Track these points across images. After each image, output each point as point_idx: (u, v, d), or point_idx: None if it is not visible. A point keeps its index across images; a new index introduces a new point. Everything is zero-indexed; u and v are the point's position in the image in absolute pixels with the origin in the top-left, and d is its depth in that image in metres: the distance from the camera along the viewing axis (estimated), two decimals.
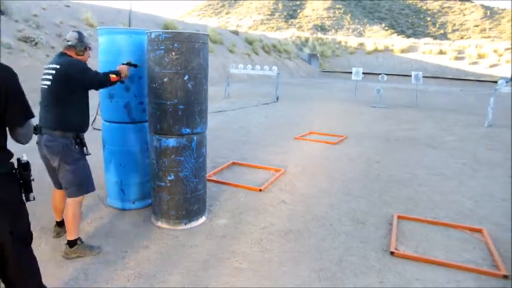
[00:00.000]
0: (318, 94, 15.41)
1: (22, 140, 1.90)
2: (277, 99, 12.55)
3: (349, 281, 2.64)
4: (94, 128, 3.81)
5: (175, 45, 2.98)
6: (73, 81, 2.61)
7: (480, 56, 28.15)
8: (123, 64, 3.06)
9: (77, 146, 2.68)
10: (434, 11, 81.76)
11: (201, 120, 3.23)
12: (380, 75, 14.15)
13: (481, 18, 75.98)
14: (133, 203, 3.63)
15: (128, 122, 3.48)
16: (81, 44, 2.75)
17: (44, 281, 2.07)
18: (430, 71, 26.85)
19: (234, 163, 5.30)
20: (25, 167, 1.86)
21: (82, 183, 2.73)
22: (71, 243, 2.78)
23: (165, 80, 3.02)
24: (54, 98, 2.60)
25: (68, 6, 14.78)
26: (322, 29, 68.54)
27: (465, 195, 4.44)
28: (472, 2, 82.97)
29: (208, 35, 3.33)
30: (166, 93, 3.05)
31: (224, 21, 70.97)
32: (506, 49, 27.45)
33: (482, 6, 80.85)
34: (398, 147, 6.76)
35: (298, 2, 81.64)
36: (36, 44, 10.65)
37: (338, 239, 3.24)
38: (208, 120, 3.41)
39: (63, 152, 2.62)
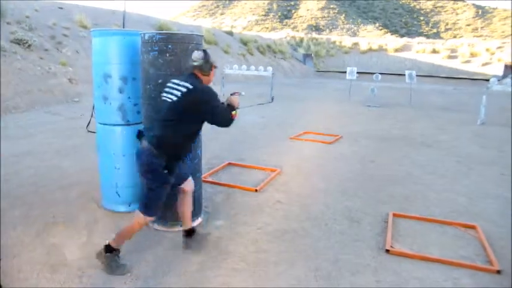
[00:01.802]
0: (313, 94, 15.45)
1: None
2: (272, 99, 12.56)
3: (345, 280, 2.65)
4: (89, 131, 3.80)
5: (169, 46, 2.97)
6: (195, 108, 2.50)
7: (472, 55, 28.40)
8: (232, 95, 2.79)
9: (165, 171, 2.53)
10: (428, 10, 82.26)
11: None
12: (374, 75, 14.22)
13: (473, 18, 76.57)
14: (129, 205, 3.62)
15: (123, 124, 3.47)
16: (207, 64, 2.62)
17: (39, 285, 2.07)
18: (424, 70, 27.03)
19: (229, 164, 5.30)
20: None
21: (148, 206, 2.60)
22: (109, 249, 2.65)
23: (160, 81, 3.01)
24: (172, 114, 2.51)
25: (61, 7, 14.71)
26: (317, 29, 68.72)
27: (459, 192, 4.47)
28: (464, 1, 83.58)
29: (202, 36, 3.33)
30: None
31: (219, 21, 70.95)
32: (498, 48, 27.69)
33: (474, 5, 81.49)
34: (393, 146, 6.79)
35: (292, 3, 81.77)
36: (29, 46, 10.59)
37: (333, 238, 3.26)
38: None
39: (154, 172, 2.53)
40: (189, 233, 2.98)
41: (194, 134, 2.68)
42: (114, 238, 2.65)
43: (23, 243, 2.98)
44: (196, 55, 2.61)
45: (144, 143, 2.54)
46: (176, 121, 2.50)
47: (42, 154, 5.39)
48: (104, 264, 2.64)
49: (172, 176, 2.63)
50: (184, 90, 2.47)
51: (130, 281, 2.56)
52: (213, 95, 2.55)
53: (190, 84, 2.50)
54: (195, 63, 2.60)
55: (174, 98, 2.49)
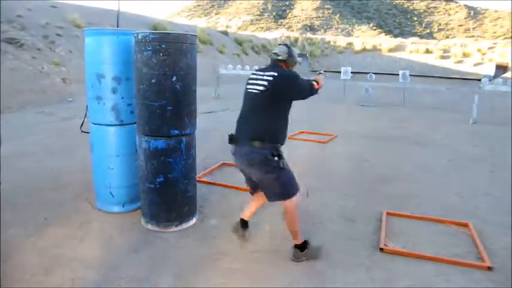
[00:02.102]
0: None
1: None
2: None
3: (339, 278, 2.66)
4: (82, 131, 3.78)
5: (163, 46, 2.97)
6: (286, 91, 2.61)
7: (465, 55, 28.62)
8: (319, 74, 3.08)
9: (275, 158, 2.57)
10: (421, 11, 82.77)
11: (190, 122, 3.22)
12: (368, 75, 14.29)
13: (465, 18, 77.17)
14: (123, 206, 3.61)
15: (116, 124, 3.46)
16: (291, 59, 2.74)
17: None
18: (417, 69, 27.17)
19: (224, 164, 5.30)
20: None
21: (288, 188, 2.67)
22: (301, 247, 2.81)
23: (153, 81, 3.01)
24: (262, 104, 2.60)
25: (54, 6, 14.59)
26: (311, 29, 68.86)
27: (452, 191, 4.51)
28: (456, 2, 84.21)
29: (196, 35, 3.33)
30: (155, 95, 3.04)
31: (214, 21, 70.83)
32: (489, 48, 27.96)
33: (466, 6, 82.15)
34: (387, 145, 6.84)
35: (287, 2, 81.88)
36: (21, 45, 10.50)
37: (328, 236, 3.27)
38: (197, 121, 3.41)
39: (268, 162, 2.56)
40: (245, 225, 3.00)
41: (287, 116, 2.74)
42: (293, 238, 2.82)
43: (14, 245, 2.96)
44: (281, 50, 2.72)
45: (243, 144, 2.60)
46: (270, 108, 2.59)
47: (35, 155, 5.35)
48: (310, 257, 2.83)
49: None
50: (271, 78, 2.57)
51: (124, 282, 2.56)
52: (295, 75, 2.69)
53: (275, 72, 2.61)
54: (280, 57, 2.71)
55: (262, 88, 2.58)
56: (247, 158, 2.60)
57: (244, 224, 2.99)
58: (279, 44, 2.80)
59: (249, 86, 2.70)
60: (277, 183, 2.62)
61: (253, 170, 2.63)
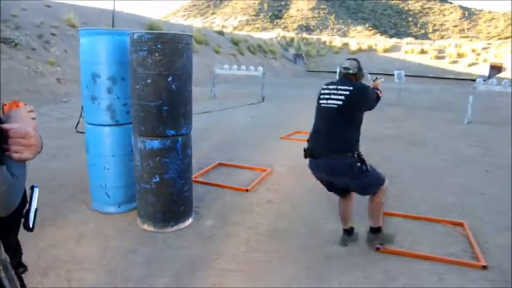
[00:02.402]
0: (304, 94, 15.50)
1: None
2: (263, 99, 12.58)
3: (335, 277, 2.67)
4: (77, 131, 3.76)
5: (159, 46, 2.96)
6: (362, 103, 2.81)
7: (459, 55, 28.76)
8: (374, 81, 3.31)
9: (358, 164, 2.72)
10: (416, 11, 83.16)
11: (185, 122, 3.22)
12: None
13: (460, 19, 77.63)
14: (119, 206, 3.60)
15: (112, 124, 3.45)
16: (360, 72, 2.90)
17: None
18: (412, 70, 27.26)
19: (220, 164, 5.30)
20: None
21: (377, 182, 2.86)
22: (376, 230, 2.98)
23: (149, 81, 3.01)
24: (341, 119, 2.75)
25: (49, 6, 14.51)
26: (307, 29, 68.93)
27: (447, 190, 4.54)
28: (451, 3, 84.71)
29: (191, 35, 3.33)
30: (150, 95, 3.03)
31: (209, 21, 70.77)
32: (484, 48, 28.14)
33: (461, 7, 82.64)
34: (382, 144, 6.86)
35: (283, 3, 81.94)
36: (15, 45, 10.44)
37: (324, 236, 3.28)
38: (193, 121, 3.41)
39: (353, 169, 2.71)
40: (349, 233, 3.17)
41: (360, 125, 2.88)
42: (373, 220, 2.99)
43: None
44: (352, 64, 2.89)
45: (324, 157, 2.77)
46: (347, 120, 2.77)
47: None
48: (382, 241, 3.02)
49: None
50: (347, 93, 2.72)
51: (121, 282, 2.55)
52: (368, 87, 2.91)
53: (350, 86, 2.76)
54: (350, 71, 2.87)
55: (340, 103, 2.73)
56: (331, 170, 2.78)
57: (350, 232, 3.16)
58: (348, 59, 2.95)
59: (322, 102, 2.84)
60: (366, 182, 2.81)
61: (339, 178, 2.82)
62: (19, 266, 1.15)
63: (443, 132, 8.33)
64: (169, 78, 3.02)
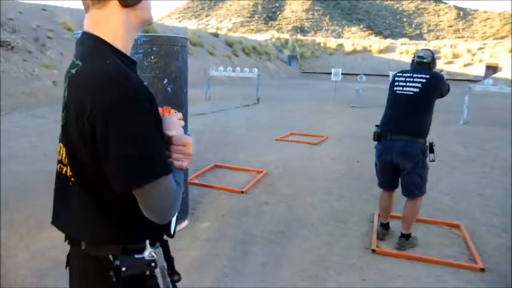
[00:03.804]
0: (298, 95, 15.54)
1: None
2: (258, 100, 12.58)
3: (331, 279, 2.67)
4: None
5: (154, 48, 2.96)
6: (438, 91, 2.94)
7: (455, 56, 28.93)
8: (440, 72, 3.37)
9: (427, 152, 2.93)
10: (410, 12, 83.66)
11: None
12: (359, 76, 14.38)
13: (455, 19, 78.16)
14: None
15: None
16: (434, 62, 3.05)
17: None
18: None
19: (215, 166, 5.29)
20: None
21: (424, 185, 3.02)
22: (408, 236, 3.08)
23: (144, 83, 2.99)
24: (417, 105, 2.90)
25: (45, 9, 14.46)
26: (302, 30, 69.15)
27: (443, 191, 4.55)
28: (445, 3, 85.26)
29: (187, 38, 3.32)
30: None
31: (204, 23, 70.81)
32: (479, 49, 28.33)
33: (456, 7, 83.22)
34: None
35: (277, 4, 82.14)
36: (12, 48, 10.38)
37: (320, 238, 3.28)
38: (189, 123, 3.40)
39: (420, 157, 2.89)
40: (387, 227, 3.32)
41: (432, 111, 3.02)
42: (406, 227, 3.08)
43: (7, 248, 2.91)
44: (427, 54, 3.04)
45: (397, 139, 2.91)
46: (424, 106, 2.92)
47: (27, 158, 5.28)
48: (412, 246, 3.09)
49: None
50: (424, 80, 2.88)
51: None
52: (442, 76, 3.08)
53: (427, 74, 2.93)
54: (425, 60, 3.01)
55: (416, 90, 2.89)
56: (404, 150, 2.89)
57: (387, 226, 3.31)
58: (422, 49, 3.12)
59: (398, 89, 2.99)
60: (419, 177, 2.96)
61: (407, 161, 2.90)
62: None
63: (439, 132, 8.35)
64: (165, 81, 3.01)
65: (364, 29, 73.72)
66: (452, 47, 30.28)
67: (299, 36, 40.45)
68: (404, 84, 2.95)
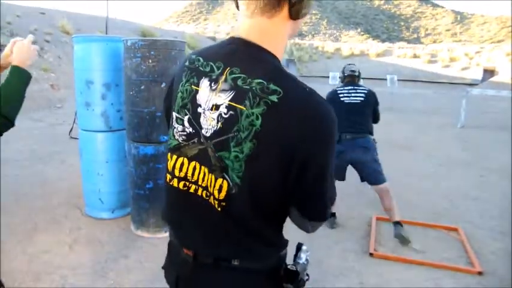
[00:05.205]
0: None
1: None
2: None
3: (329, 283, 2.67)
4: (71, 137, 3.75)
5: (152, 52, 2.97)
6: (374, 105, 3.54)
7: (452, 60, 29.03)
8: None
9: (376, 148, 3.50)
10: (408, 15, 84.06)
11: None
12: None
13: (452, 23, 78.56)
14: (112, 212, 3.58)
15: (105, 130, 3.44)
16: (360, 75, 3.69)
17: None
18: (405, 74, 27.47)
19: None
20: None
21: (382, 172, 3.43)
22: (400, 223, 3.28)
23: (142, 87, 3.00)
24: (363, 110, 3.45)
25: (43, 13, 14.47)
26: (299, 34, 69.33)
27: (441, 195, 4.56)
28: (443, 7, 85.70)
29: (185, 42, 3.34)
30: (144, 101, 3.03)
31: (202, 27, 70.85)
32: (477, 52, 28.47)
33: (453, 11, 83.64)
34: None
35: None
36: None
37: (318, 241, 3.27)
38: None
39: (376, 149, 3.44)
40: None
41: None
42: (392, 215, 3.31)
43: (3, 252, 2.90)
44: (355, 68, 3.72)
45: (357, 138, 3.40)
46: (369, 110, 3.50)
47: (24, 161, 5.27)
48: (404, 235, 3.22)
49: None
50: (366, 91, 3.51)
51: None
52: (375, 96, 3.63)
53: (364, 88, 3.56)
54: (356, 74, 3.67)
55: (362, 98, 3.46)
56: (363, 146, 3.40)
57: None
58: (349, 64, 3.86)
59: (344, 99, 3.47)
60: (379, 164, 3.42)
61: (367, 154, 3.40)
62: None
63: (436, 136, 8.39)
64: (163, 85, 3.01)
65: (362, 32, 74.00)
66: (450, 50, 30.40)
67: (297, 40, 40.57)
68: (349, 95, 3.47)
